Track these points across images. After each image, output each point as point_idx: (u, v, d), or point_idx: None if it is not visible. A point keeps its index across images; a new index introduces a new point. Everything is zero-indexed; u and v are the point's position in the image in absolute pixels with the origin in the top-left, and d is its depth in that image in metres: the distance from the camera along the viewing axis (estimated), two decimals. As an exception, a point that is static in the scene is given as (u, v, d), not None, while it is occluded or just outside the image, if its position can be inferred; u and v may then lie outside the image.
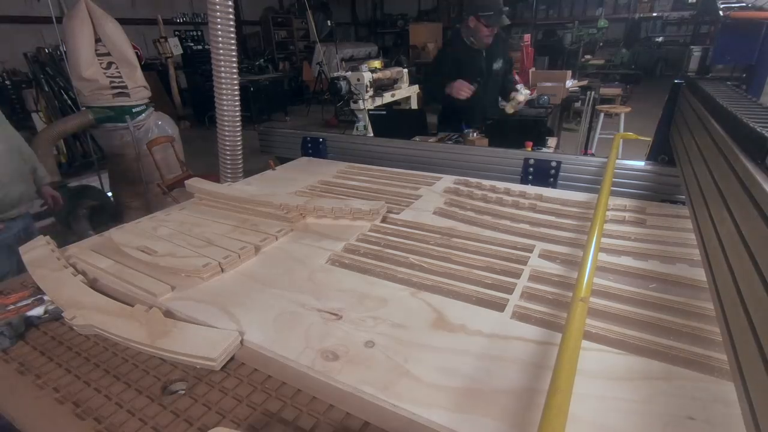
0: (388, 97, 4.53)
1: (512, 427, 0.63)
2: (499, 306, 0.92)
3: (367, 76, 4.03)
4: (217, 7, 1.94)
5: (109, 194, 3.36)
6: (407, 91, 4.98)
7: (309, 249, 1.21)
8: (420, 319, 0.88)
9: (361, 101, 3.98)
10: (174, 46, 5.60)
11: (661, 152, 1.58)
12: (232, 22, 1.97)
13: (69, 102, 4.82)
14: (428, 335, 0.83)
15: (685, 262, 1.04)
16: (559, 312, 0.87)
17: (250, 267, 1.13)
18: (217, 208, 1.51)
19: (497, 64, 2.99)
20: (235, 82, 2.00)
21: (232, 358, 0.84)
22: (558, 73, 5.48)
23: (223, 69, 1.95)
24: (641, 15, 11.48)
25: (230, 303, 0.96)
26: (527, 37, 5.92)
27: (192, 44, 9.46)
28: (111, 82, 3.06)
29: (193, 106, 9.68)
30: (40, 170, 2.16)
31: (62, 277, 1.07)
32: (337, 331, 0.85)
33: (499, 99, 3.30)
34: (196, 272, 1.07)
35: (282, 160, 2.19)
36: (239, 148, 2.15)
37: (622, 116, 5.01)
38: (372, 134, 3.81)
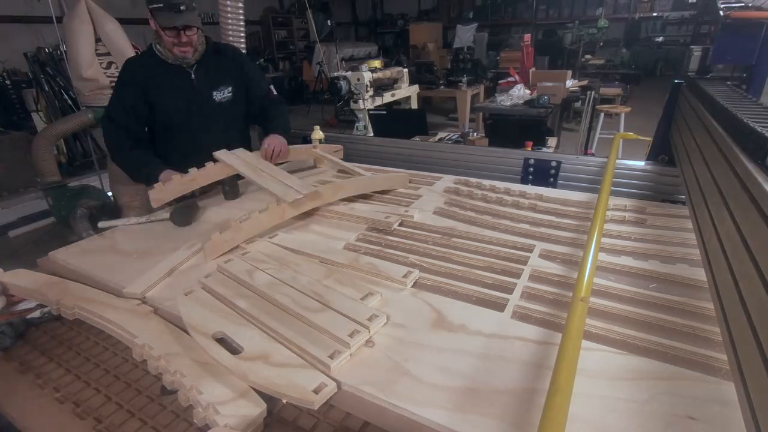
0: (388, 97, 4.53)
1: (512, 427, 0.63)
2: (500, 306, 0.92)
3: (367, 76, 4.03)
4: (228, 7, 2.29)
5: (109, 194, 3.36)
6: (407, 91, 4.99)
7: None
8: (420, 319, 0.88)
9: (361, 101, 3.98)
10: (174, 46, 5.60)
11: (661, 152, 1.58)
12: (242, 22, 2.34)
13: (69, 102, 4.81)
14: (428, 335, 0.83)
15: (685, 262, 1.04)
16: (559, 312, 0.87)
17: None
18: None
19: (220, 94, 1.79)
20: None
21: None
22: (558, 73, 5.47)
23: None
24: (641, 15, 11.49)
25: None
26: (527, 36, 5.92)
27: (192, 44, 9.42)
28: (111, 82, 3.05)
29: (193, 106, 9.59)
30: None
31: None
32: (337, 331, 0.85)
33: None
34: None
35: (282, 160, 2.18)
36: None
37: (622, 116, 5.01)
38: (372, 134, 3.81)
